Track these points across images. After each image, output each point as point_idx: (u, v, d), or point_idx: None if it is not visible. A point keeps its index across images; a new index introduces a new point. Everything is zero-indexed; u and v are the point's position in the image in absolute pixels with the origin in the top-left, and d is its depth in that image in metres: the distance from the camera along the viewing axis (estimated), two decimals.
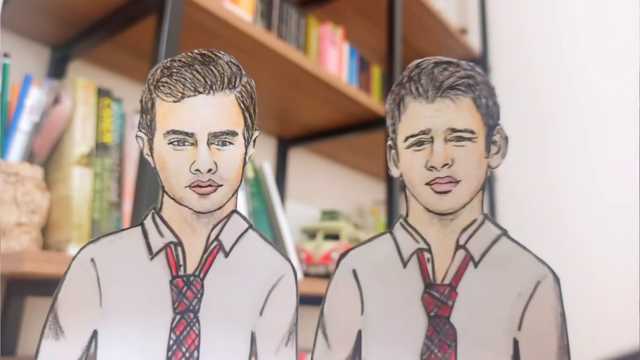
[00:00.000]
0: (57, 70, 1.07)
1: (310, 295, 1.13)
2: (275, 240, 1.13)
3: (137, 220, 0.77)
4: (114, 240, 0.44)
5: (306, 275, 1.26)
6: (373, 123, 1.44)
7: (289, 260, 0.46)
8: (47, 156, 0.88)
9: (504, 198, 1.90)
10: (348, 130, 1.50)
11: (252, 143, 0.46)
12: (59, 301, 0.42)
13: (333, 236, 1.33)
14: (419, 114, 0.43)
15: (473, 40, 2.06)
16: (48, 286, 0.87)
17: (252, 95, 0.45)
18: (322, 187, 1.75)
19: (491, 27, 2.12)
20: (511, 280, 0.43)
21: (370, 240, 0.47)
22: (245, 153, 0.45)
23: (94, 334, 0.42)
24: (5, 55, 0.85)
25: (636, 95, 1.62)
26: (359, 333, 0.45)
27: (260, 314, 0.44)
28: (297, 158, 1.64)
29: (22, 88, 0.84)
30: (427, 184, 0.43)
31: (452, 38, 1.87)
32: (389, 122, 0.46)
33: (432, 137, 0.43)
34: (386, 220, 1.35)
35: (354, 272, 0.46)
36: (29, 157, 0.84)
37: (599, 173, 1.75)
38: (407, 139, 0.44)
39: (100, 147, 0.88)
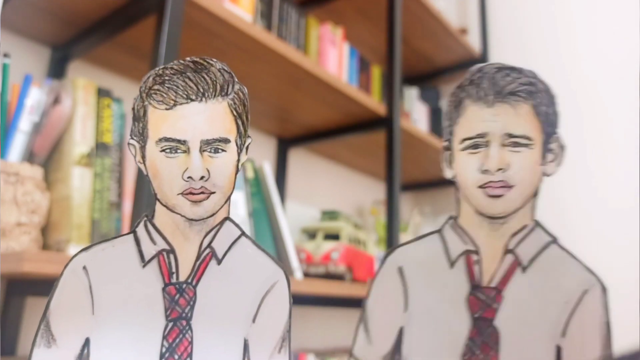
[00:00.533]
0: (57, 70, 1.07)
1: (311, 295, 1.13)
2: (276, 240, 1.13)
3: (137, 220, 0.77)
4: (106, 248, 0.44)
5: (306, 275, 1.26)
6: (373, 123, 1.44)
7: (281, 266, 0.46)
8: (47, 156, 0.88)
9: None
10: (348, 130, 1.50)
11: (244, 150, 0.46)
12: (51, 309, 0.42)
13: (333, 236, 1.33)
14: (477, 117, 0.43)
15: (473, 40, 2.06)
16: (48, 286, 0.87)
17: (245, 103, 0.45)
18: (322, 187, 1.75)
19: (491, 27, 2.12)
20: (558, 287, 0.43)
21: (418, 238, 0.47)
22: (238, 160, 0.45)
23: (87, 342, 0.42)
24: (5, 55, 0.85)
25: (636, 96, 1.62)
26: (401, 330, 0.45)
27: (253, 320, 0.44)
28: (297, 158, 1.64)
29: (22, 88, 0.84)
30: (480, 186, 0.43)
31: (452, 38, 1.87)
32: (445, 123, 0.46)
33: (488, 141, 0.43)
34: (386, 221, 1.35)
35: (400, 270, 0.46)
36: (29, 157, 0.84)
37: (599, 174, 1.75)
38: (463, 141, 0.44)
39: (100, 147, 0.88)
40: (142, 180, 0.78)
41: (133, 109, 0.45)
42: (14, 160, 0.81)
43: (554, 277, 0.43)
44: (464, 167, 0.44)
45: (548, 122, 0.45)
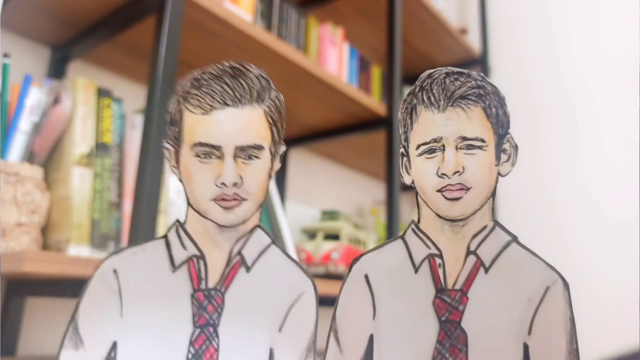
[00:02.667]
0: (57, 70, 1.07)
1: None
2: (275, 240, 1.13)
3: (137, 221, 0.77)
4: (137, 252, 0.44)
5: None
6: (373, 123, 1.44)
7: (310, 277, 0.46)
8: (47, 156, 0.88)
9: (499, 203, 1.90)
10: (348, 130, 1.50)
11: (278, 157, 0.46)
12: (80, 311, 0.42)
13: (333, 236, 1.33)
14: (430, 123, 0.44)
15: (473, 40, 2.06)
16: (48, 286, 0.87)
17: (280, 110, 0.45)
18: (322, 187, 1.75)
19: (491, 27, 2.12)
20: (521, 286, 0.43)
21: (382, 245, 0.47)
22: (271, 168, 0.45)
23: (114, 345, 0.42)
24: (5, 55, 0.85)
25: (636, 96, 1.62)
26: (371, 337, 0.45)
27: (280, 330, 0.44)
28: (297, 158, 1.64)
29: (22, 88, 0.84)
30: (439, 190, 0.44)
31: (452, 38, 1.87)
32: (401, 130, 0.47)
33: (443, 145, 0.43)
34: (386, 221, 1.35)
35: (366, 277, 0.46)
36: (29, 157, 0.84)
37: (599, 176, 1.75)
38: (419, 146, 0.45)
39: (100, 147, 0.88)
40: (142, 180, 0.78)
41: (169, 112, 0.44)
42: (14, 160, 0.81)
43: (516, 276, 0.44)
44: (421, 172, 0.45)
45: (499, 123, 0.45)
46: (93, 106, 0.88)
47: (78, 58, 1.09)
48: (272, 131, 0.44)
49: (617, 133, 1.74)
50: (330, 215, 1.43)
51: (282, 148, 0.46)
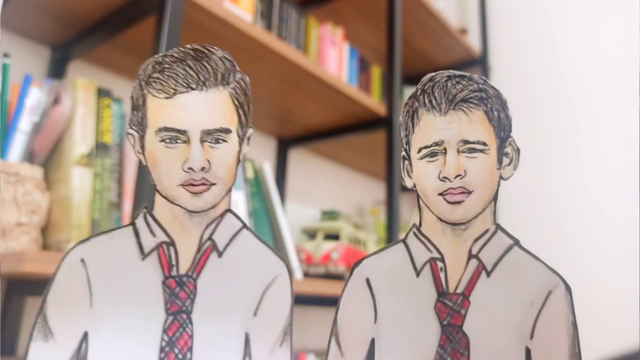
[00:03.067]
0: (57, 70, 1.07)
1: (311, 295, 1.13)
2: (276, 240, 1.13)
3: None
4: (105, 240, 0.43)
5: (306, 275, 1.26)
6: (373, 123, 1.44)
7: (283, 260, 0.45)
8: (47, 156, 0.88)
9: (500, 204, 1.90)
10: (348, 130, 1.50)
11: (246, 141, 0.45)
12: (48, 302, 0.41)
13: (333, 236, 1.33)
14: (432, 126, 0.44)
15: (473, 40, 2.06)
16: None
17: (247, 92, 0.44)
18: (322, 187, 1.75)
19: (491, 27, 2.12)
20: (523, 290, 0.43)
21: (383, 249, 0.47)
22: (240, 151, 0.44)
23: (85, 336, 0.41)
24: (5, 55, 0.85)
25: (637, 97, 1.62)
26: (372, 341, 0.45)
27: (255, 314, 0.43)
28: (297, 158, 1.64)
29: (22, 88, 0.84)
30: (440, 194, 0.44)
31: (452, 38, 1.87)
32: (402, 133, 0.47)
33: (445, 149, 0.44)
34: (386, 221, 1.35)
35: (368, 281, 0.46)
36: (29, 157, 0.84)
37: (599, 176, 1.75)
38: (420, 150, 0.45)
39: (100, 147, 0.88)
40: (142, 180, 0.78)
41: (132, 97, 0.44)
42: (14, 160, 0.81)
43: (518, 280, 0.44)
44: (423, 176, 0.45)
45: (501, 127, 0.45)
46: (93, 106, 0.89)
47: (78, 58, 1.09)
48: (238, 114, 0.44)
49: (617, 133, 1.74)
50: (330, 215, 1.43)
51: (250, 131, 0.45)
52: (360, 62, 1.55)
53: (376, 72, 1.64)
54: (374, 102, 1.40)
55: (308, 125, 1.52)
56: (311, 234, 1.37)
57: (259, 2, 1.17)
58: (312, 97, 1.32)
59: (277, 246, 1.12)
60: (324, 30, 1.39)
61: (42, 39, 1.07)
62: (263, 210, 1.15)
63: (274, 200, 1.16)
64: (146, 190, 0.77)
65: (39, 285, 0.86)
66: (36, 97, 0.85)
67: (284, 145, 1.59)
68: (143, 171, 0.79)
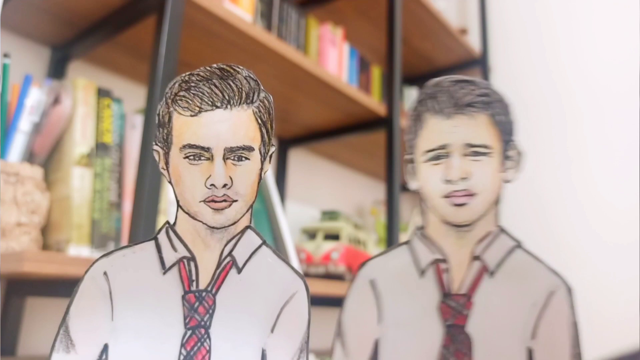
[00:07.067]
0: (57, 70, 1.07)
1: (311, 295, 1.12)
2: (276, 240, 1.13)
3: (137, 221, 0.77)
4: (127, 254, 0.44)
5: (306, 275, 1.26)
6: (373, 123, 1.44)
7: (301, 277, 0.46)
8: (47, 156, 0.88)
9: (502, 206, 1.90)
10: (348, 130, 1.50)
11: (268, 158, 0.46)
12: (71, 314, 0.42)
13: (333, 236, 1.33)
14: (437, 130, 0.45)
15: (473, 40, 2.06)
16: (48, 286, 0.87)
17: (270, 111, 0.45)
18: (322, 187, 1.75)
19: (491, 27, 2.12)
20: (525, 291, 0.44)
21: (388, 250, 0.48)
22: (261, 169, 0.45)
23: (105, 348, 0.42)
24: (5, 55, 0.85)
25: (637, 97, 1.62)
26: (376, 342, 0.46)
27: (272, 331, 0.44)
28: (297, 158, 1.64)
29: (22, 88, 0.84)
30: (445, 196, 0.44)
31: (452, 38, 1.87)
32: (407, 137, 0.48)
33: (449, 152, 0.44)
34: (386, 221, 1.35)
35: (372, 282, 0.47)
36: (29, 157, 0.84)
37: (599, 175, 1.75)
38: (425, 153, 0.45)
39: (100, 147, 0.88)
40: (142, 180, 0.78)
41: (158, 114, 0.45)
42: (14, 160, 0.81)
43: (521, 281, 0.44)
44: (428, 178, 0.45)
45: (505, 130, 0.46)
46: (93, 106, 0.89)
47: (78, 58, 1.09)
48: (261, 132, 0.44)
49: (617, 133, 1.74)
50: (330, 215, 1.43)
51: (272, 149, 0.46)
52: (360, 62, 1.55)
53: (376, 72, 1.64)
54: (374, 102, 1.40)
55: (308, 125, 1.52)
56: (311, 234, 1.37)
57: (259, 2, 1.17)
58: (312, 97, 1.32)
59: (277, 246, 1.12)
60: (324, 30, 1.39)
61: (42, 39, 1.07)
62: (263, 210, 1.15)
63: (274, 200, 1.16)
64: (146, 190, 0.77)
65: (39, 285, 0.86)
66: (36, 97, 0.85)
67: (284, 145, 1.59)
68: (143, 171, 0.79)
